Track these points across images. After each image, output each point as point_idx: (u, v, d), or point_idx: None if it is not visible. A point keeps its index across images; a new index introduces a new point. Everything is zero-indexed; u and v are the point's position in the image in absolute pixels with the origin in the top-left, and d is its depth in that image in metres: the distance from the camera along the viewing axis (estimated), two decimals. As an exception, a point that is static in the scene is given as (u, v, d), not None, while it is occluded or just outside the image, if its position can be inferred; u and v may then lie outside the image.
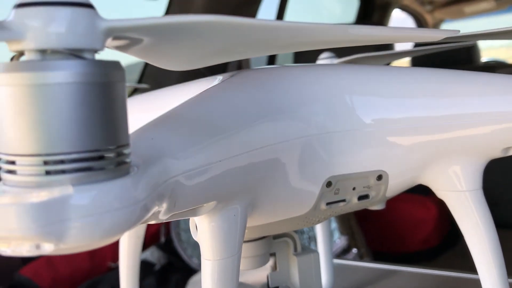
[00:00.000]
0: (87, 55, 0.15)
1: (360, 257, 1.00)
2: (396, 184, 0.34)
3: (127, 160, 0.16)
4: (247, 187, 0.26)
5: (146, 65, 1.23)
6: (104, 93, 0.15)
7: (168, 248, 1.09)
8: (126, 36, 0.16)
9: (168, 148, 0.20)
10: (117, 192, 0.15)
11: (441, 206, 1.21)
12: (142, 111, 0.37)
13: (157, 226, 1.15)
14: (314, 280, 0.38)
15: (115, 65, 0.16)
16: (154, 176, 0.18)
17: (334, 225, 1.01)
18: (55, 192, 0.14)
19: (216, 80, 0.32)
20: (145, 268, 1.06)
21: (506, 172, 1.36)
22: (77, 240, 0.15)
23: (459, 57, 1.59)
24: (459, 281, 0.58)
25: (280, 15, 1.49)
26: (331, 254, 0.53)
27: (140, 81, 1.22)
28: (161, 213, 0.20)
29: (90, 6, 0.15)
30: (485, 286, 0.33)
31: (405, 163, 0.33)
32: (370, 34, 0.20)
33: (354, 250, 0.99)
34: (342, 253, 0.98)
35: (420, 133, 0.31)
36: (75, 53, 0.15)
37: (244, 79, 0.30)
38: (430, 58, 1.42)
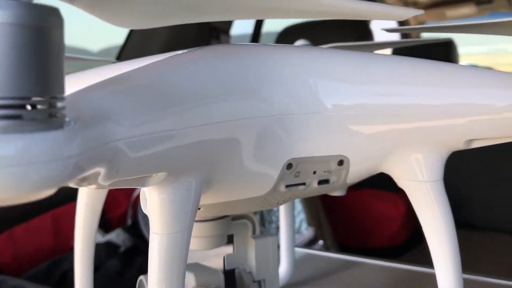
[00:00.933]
0: (22, -3, 0.14)
1: (326, 249, 1.00)
2: (357, 170, 0.33)
3: (61, 113, 0.16)
4: (201, 162, 0.26)
5: (127, 40, 1.20)
6: (38, 38, 0.14)
7: (134, 231, 1.07)
8: None
9: (112, 112, 0.19)
10: (46, 145, 0.15)
11: (410, 204, 1.22)
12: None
13: (125, 208, 1.13)
14: (270, 263, 0.38)
15: (53, 11, 0.15)
16: (92, 136, 0.17)
17: (302, 216, 1.01)
18: None
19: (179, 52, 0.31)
20: (110, 250, 1.05)
21: (472, 174, 1.39)
22: (2, 191, 0.14)
23: (437, 56, 1.61)
24: (423, 275, 0.58)
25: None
26: (293, 242, 0.53)
27: (119, 56, 1.20)
28: (100, 177, 0.19)
29: None
30: (440, 278, 0.33)
31: (367, 150, 0.32)
32: (341, 5, 0.20)
33: (321, 242, 1.00)
34: (309, 244, 0.99)
35: (382, 121, 0.31)
36: None
37: (210, 52, 0.30)
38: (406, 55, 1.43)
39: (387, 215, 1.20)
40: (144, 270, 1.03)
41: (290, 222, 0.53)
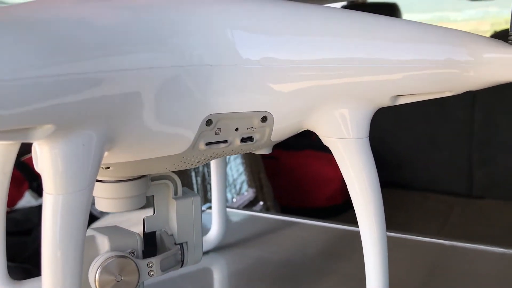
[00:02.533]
0: None
1: (266, 210, 1.00)
2: (281, 128, 0.32)
3: None
4: (97, 115, 0.23)
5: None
6: None
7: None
8: None
9: None
10: None
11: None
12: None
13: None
14: (193, 225, 0.36)
15: None
16: None
17: (243, 178, 1.01)
18: None
19: None
20: (40, 214, 1.00)
21: (411, 136, 1.43)
22: None
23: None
24: (358, 235, 0.59)
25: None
26: (224, 202, 0.52)
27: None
28: None
29: None
30: (364, 237, 0.33)
31: (290, 106, 0.31)
32: None
33: (261, 203, 1.00)
34: (249, 205, 0.98)
35: (304, 75, 0.29)
36: None
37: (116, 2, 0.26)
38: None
39: (326, 176, 1.22)
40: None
41: (221, 181, 0.52)
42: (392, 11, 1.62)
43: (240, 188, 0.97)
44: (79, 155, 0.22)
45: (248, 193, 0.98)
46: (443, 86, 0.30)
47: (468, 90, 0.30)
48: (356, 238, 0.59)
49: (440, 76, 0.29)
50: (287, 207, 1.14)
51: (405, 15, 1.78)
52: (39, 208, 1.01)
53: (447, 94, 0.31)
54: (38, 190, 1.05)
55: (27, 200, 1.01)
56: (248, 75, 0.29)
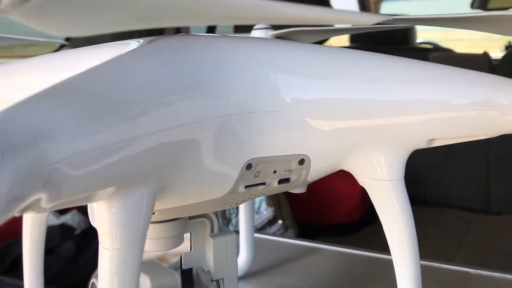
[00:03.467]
0: None
1: (285, 229, 1.01)
2: (318, 168, 0.33)
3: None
4: (154, 171, 0.24)
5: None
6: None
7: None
8: None
9: (48, 129, 0.17)
10: None
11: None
12: (42, 72, 0.33)
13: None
14: (229, 262, 0.37)
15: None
16: (25, 163, 0.15)
17: (261, 196, 1.01)
18: None
19: (133, 44, 0.29)
20: (65, 232, 1.02)
21: (424, 149, 1.42)
22: None
23: (396, 36, 1.62)
24: (380, 261, 0.59)
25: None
26: (252, 230, 0.52)
27: (68, 38, 1.13)
28: (43, 202, 0.17)
29: None
30: (399, 272, 0.33)
31: (329, 148, 0.31)
32: (303, 13, 0.18)
33: (280, 222, 1.00)
34: (268, 225, 0.99)
35: (344, 117, 0.30)
36: None
37: (161, 47, 0.27)
38: (368, 36, 1.43)
39: (343, 193, 1.22)
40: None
41: (249, 209, 0.52)
42: (408, 29, 1.63)
43: (259, 207, 0.98)
44: (134, 212, 0.23)
45: (267, 212, 0.98)
46: (480, 130, 0.31)
47: (504, 133, 0.31)
48: (381, 266, 0.59)
49: (477, 119, 0.30)
50: (304, 224, 1.14)
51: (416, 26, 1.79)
52: (60, 227, 1.02)
53: (482, 137, 0.32)
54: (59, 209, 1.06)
55: (48, 218, 1.02)
56: (289, 120, 0.30)
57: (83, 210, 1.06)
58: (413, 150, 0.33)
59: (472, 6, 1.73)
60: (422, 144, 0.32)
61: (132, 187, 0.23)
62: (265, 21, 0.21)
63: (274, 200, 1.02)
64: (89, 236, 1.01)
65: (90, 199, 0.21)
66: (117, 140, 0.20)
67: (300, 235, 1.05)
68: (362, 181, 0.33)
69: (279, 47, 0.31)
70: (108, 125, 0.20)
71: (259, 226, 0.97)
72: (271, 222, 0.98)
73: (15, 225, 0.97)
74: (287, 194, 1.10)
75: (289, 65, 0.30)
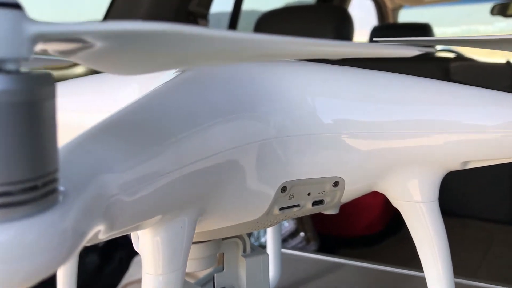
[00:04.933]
0: (8, 66, 0.12)
1: (307, 241, 1.00)
2: (352, 190, 0.33)
3: (55, 187, 0.14)
4: (198, 196, 0.24)
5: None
6: (29, 114, 0.12)
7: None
8: (61, 42, 0.13)
9: (104, 162, 0.17)
10: (41, 229, 0.13)
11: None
12: (84, 95, 0.34)
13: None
14: (262, 282, 0.37)
15: (44, 79, 0.13)
16: (90, 198, 0.15)
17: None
18: None
19: (167, 75, 0.29)
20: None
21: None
22: None
23: (415, 45, 1.61)
24: (401, 276, 0.59)
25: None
26: (279, 247, 0.52)
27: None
28: (100, 234, 0.18)
29: (16, 6, 0.12)
30: None
31: (363, 171, 0.32)
32: (343, 51, 0.19)
33: (302, 234, 1.00)
34: (290, 237, 0.99)
35: (380, 139, 0.30)
36: None
37: (198, 76, 0.28)
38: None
39: (366, 204, 1.21)
40: (123, 264, 1.02)
41: (276, 227, 0.53)
42: (426, 31, 1.61)
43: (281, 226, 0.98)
44: (177, 239, 0.24)
45: (289, 225, 0.98)
46: None
47: None
48: (405, 281, 0.59)
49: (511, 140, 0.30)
50: (326, 236, 1.13)
51: (435, 29, 1.77)
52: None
53: (518, 159, 0.31)
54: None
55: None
56: (325, 143, 0.30)
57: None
58: (447, 172, 0.33)
59: (492, 12, 1.71)
60: (456, 166, 0.32)
61: (176, 215, 0.23)
62: (302, 57, 0.22)
63: (295, 212, 1.02)
64: (113, 248, 1.02)
65: (138, 228, 0.22)
66: (164, 169, 0.21)
67: (322, 247, 1.05)
68: (396, 202, 0.33)
69: (315, 70, 0.31)
70: (155, 155, 0.20)
71: (281, 238, 0.97)
72: (293, 234, 0.98)
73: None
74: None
75: (326, 89, 0.30)
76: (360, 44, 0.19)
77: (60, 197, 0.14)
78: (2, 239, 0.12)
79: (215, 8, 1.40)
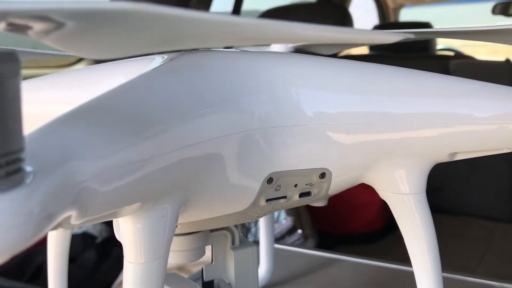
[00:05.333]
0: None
1: (304, 238, 1.00)
2: (339, 182, 0.33)
3: (21, 166, 0.14)
4: (178, 185, 0.24)
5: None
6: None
7: (111, 221, 1.05)
8: (26, 21, 0.13)
9: (77, 148, 0.17)
10: (6, 207, 0.13)
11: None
12: (70, 88, 0.34)
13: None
14: (250, 274, 0.37)
15: (8, 57, 0.13)
16: (57, 183, 0.15)
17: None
18: None
19: (157, 60, 0.29)
20: (86, 240, 1.03)
21: (454, 161, 1.40)
22: None
23: (416, 42, 1.61)
24: (401, 273, 0.59)
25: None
26: (272, 241, 0.52)
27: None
28: (72, 219, 0.18)
29: None
30: (420, 286, 0.33)
31: (350, 162, 0.32)
32: (322, 35, 0.19)
33: (299, 231, 1.00)
34: (288, 234, 0.99)
35: (365, 131, 0.30)
36: None
37: (184, 64, 0.28)
38: (386, 44, 1.42)
39: (364, 201, 1.21)
40: (120, 261, 1.02)
41: (269, 220, 0.53)
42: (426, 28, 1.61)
43: (278, 217, 0.98)
44: (158, 227, 0.24)
45: (286, 221, 0.98)
46: (502, 143, 0.30)
47: None
48: (401, 277, 0.59)
49: (499, 133, 0.30)
50: (324, 234, 1.13)
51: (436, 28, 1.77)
52: (83, 236, 1.03)
53: (505, 150, 0.31)
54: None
55: (71, 227, 1.04)
56: (310, 134, 0.30)
57: (104, 219, 1.07)
58: (435, 164, 0.33)
59: (494, 12, 1.70)
60: (444, 158, 0.32)
61: (156, 202, 0.23)
62: (283, 41, 0.22)
63: (293, 209, 1.02)
64: (110, 244, 1.02)
65: (116, 215, 0.22)
66: (142, 157, 0.21)
67: (320, 245, 1.05)
68: (383, 194, 0.33)
69: (300, 61, 0.31)
70: (133, 142, 0.20)
71: (279, 235, 0.97)
72: (290, 231, 0.98)
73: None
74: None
75: (311, 80, 0.30)
76: (340, 29, 0.19)
77: (27, 178, 0.14)
78: None
79: (215, 7, 1.40)
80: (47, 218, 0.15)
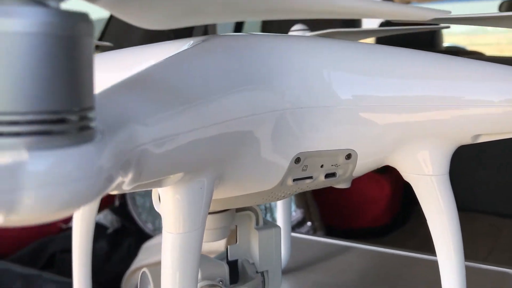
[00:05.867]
0: (51, 3, 0.13)
1: (313, 231, 1.01)
2: (364, 163, 0.33)
3: (92, 124, 0.15)
4: (216, 159, 0.25)
5: (108, 22, 1.17)
6: (68, 48, 0.13)
7: (122, 211, 1.07)
8: None
9: (136, 113, 0.18)
10: (79, 160, 0.14)
11: (395, 186, 1.24)
12: (105, 71, 0.35)
13: (111, 189, 1.12)
14: (274, 254, 0.38)
15: (83, 17, 0.14)
16: (121, 143, 0.16)
17: (290, 197, 1.02)
18: (6, 157, 0.13)
19: (186, 43, 0.30)
20: (97, 231, 1.03)
21: (458, 154, 1.41)
22: (31, 211, 0.13)
23: (422, 40, 1.61)
24: (409, 259, 0.59)
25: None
26: (289, 227, 0.53)
27: (100, 39, 1.16)
28: (125, 184, 0.19)
29: None
30: (444, 270, 0.34)
31: (376, 144, 0.32)
32: (355, 6, 0.19)
33: (309, 223, 1.00)
34: (297, 226, 0.99)
35: (393, 112, 0.31)
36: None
37: (217, 45, 0.29)
38: (392, 39, 1.43)
39: (372, 196, 1.22)
40: (132, 251, 1.03)
41: (287, 207, 0.53)
42: (435, 33, 1.61)
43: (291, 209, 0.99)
44: (196, 199, 0.24)
45: (296, 213, 0.99)
46: None
47: None
48: (412, 264, 0.59)
49: None
50: (332, 227, 1.14)
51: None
52: (96, 225, 1.04)
53: (529, 132, 0.32)
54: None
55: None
56: (340, 115, 0.30)
57: (115, 210, 1.08)
58: (458, 146, 0.33)
59: (500, 9, 1.71)
60: (467, 140, 0.32)
61: (196, 174, 0.24)
62: (317, 15, 0.22)
63: (303, 202, 1.02)
64: (121, 235, 1.03)
65: (161, 183, 0.22)
66: (189, 127, 0.21)
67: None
68: (407, 176, 0.34)
69: (331, 45, 0.32)
70: (181, 112, 0.21)
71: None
72: (300, 223, 0.99)
73: (48, 224, 0.99)
74: (315, 196, 1.10)
75: (341, 63, 0.31)
76: (371, 2, 0.20)
77: (97, 136, 0.15)
78: (42, 165, 0.13)
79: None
80: (112, 176, 0.16)
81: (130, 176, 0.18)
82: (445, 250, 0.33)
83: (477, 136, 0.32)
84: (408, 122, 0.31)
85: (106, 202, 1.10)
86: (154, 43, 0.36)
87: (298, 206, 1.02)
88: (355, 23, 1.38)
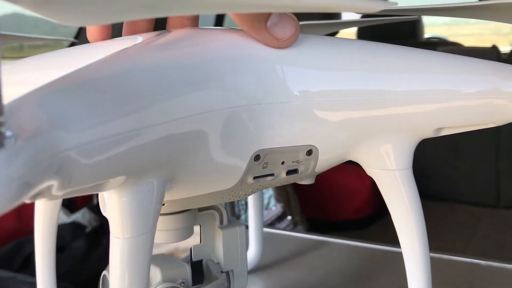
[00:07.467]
0: None
1: (294, 225, 1.01)
2: (326, 159, 0.33)
3: (0, 131, 0.14)
4: (163, 160, 0.24)
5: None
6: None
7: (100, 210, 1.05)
8: None
9: (59, 117, 0.17)
10: None
11: (376, 177, 1.24)
12: (56, 68, 0.34)
13: (89, 187, 1.11)
14: (239, 253, 0.37)
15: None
16: (37, 149, 0.15)
17: (270, 192, 1.01)
18: None
19: (135, 40, 0.29)
20: (76, 230, 1.03)
21: (433, 144, 1.42)
22: None
23: (403, 31, 1.61)
24: (389, 254, 0.59)
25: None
26: (261, 224, 0.53)
27: (77, 36, 1.14)
28: (54, 190, 0.18)
29: None
30: (408, 263, 0.33)
31: (336, 139, 0.32)
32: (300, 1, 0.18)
33: (289, 218, 1.00)
34: (277, 220, 0.99)
35: (351, 108, 0.30)
36: None
37: (169, 40, 0.28)
38: (373, 30, 1.43)
39: (353, 189, 1.22)
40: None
41: (258, 203, 0.53)
42: (416, 24, 1.62)
43: (268, 203, 0.98)
44: (144, 201, 0.24)
45: (276, 208, 0.98)
46: (488, 118, 0.31)
47: None
48: (391, 259, 0.59)
49: (486, 108, 0.30)
50: (314, 220, 1.14)
51: (424, 18, 1.78)
52: (71, 225, 1.03)
53: (491, 125, 0.32)
54: (69, 207, 1.07)
55: (59, 217, 1.03)
56: (296, 111, 0.30)
57: (93, 208, 1.07)
58: (420, 140, 0.33)
59: None
60: (430, 133, 0.32)
61: (142, 177, 0.23)
62: (269, 9, 0.21)
63: (283, 196, 1.02)
64: (100, 233, 1.02)
65: (101, 187, 0.21)
66: (126, 130, 0.20)
67: (310, 231, 1.05)
68: (370, 171, 0.33)
69: None
70: (117, 115, 0.20)
71: (268, 222, 0.97)
72: (280, 218, 0.99)
73: (26, 223, 0.98)
74: (296, 189, 1.10)
75: (296, 57, 0.30)
76: None
77: (7, 142, 0.14)
78: None
79: None
80: (27, 184, 0.15)
81: (56, 182, 0.17)
82: (410, 243, 0.33)
83: (439, 129, 0.32)
84: (366, 117, 0.31)
85: (85, 201, 1.08)
86: (110, 40, 0.35)
87: (278, 200, 1.01)
88: (334, 16, 1.37)
